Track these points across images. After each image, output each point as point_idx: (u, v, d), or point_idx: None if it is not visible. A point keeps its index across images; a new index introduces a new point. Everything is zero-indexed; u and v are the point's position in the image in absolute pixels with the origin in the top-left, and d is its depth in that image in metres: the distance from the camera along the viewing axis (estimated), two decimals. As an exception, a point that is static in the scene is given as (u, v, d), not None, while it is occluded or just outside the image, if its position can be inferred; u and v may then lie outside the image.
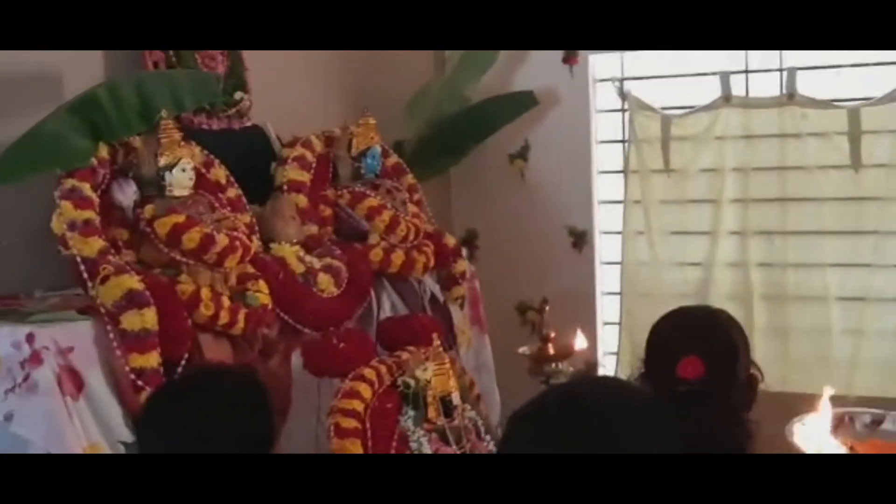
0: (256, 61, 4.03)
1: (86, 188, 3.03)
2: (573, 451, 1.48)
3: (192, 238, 3.09)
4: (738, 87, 4.77)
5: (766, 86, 4.78)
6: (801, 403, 4.63)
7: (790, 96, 4.61)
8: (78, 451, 2.74)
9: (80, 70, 3.45)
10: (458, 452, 3.27)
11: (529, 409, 1.58)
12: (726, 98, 4.72)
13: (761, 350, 4.72)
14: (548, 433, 1.53)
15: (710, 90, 4.76)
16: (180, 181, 3.23)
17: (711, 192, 4.79)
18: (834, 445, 2.40)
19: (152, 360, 2.90)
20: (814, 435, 2.34)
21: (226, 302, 3.16)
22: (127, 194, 3.18)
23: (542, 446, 1.53)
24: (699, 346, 2.23)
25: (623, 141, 5.02)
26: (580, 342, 4.35)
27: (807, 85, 4.63)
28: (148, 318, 2.89)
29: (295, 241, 3.62)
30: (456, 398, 3.35)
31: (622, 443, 1.52)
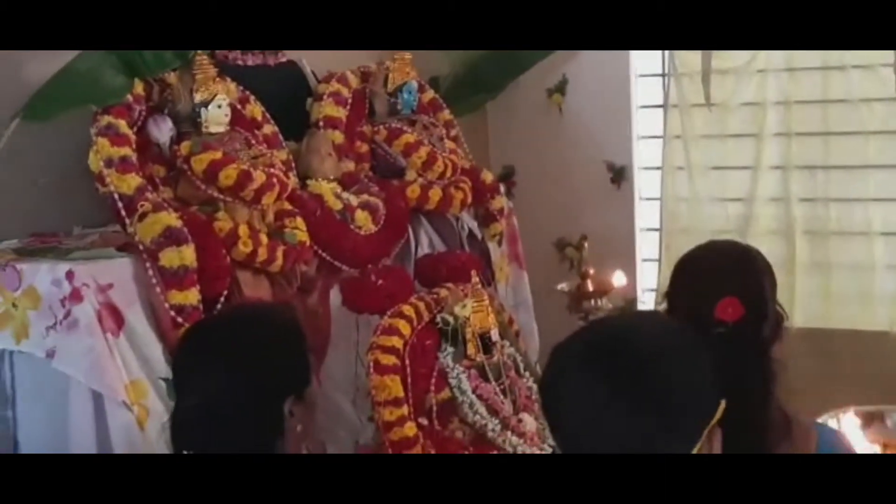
0: (291, -4, 3.98)
1: (122, 125, 3.02)
2: (616, 387, 1.49)
3: (229, 175, 3.08)
4: (781, 19, 4.66)
5: (810, 16, 4.68)
6: (842, 339, 4.62)
7: (835, 27, 4.51)
8: (120, 386, 2.76)
9: (114, 6, 3.42)
10: (498, 388, 3.26)
11: (573, 342, 1.58)
12: (769, 29, 4.61)
13: (803, 286, 4.69)
14: (591, 368, 1.53)
15: (752, 22, 4.65)
16: (216, 117, 3.21)
17: (753, 125, 4.70)
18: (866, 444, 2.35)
19: (191, 296, 2.90)
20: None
21: (264, 239, 3.15)
22: (163, 131, 3.16)
23: (585, 380, 1.52)
24: (737, 286, 2.17)
25: (663, 75, 4.93)
26: (619, 279, 4.32)
27: (852, 15, 4.52)
28: (186, 255, 2.89)
29: (332, 177, 3.60)
30: (495, 334, 3.34)
31: (666, 379, 1.53)
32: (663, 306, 2.30)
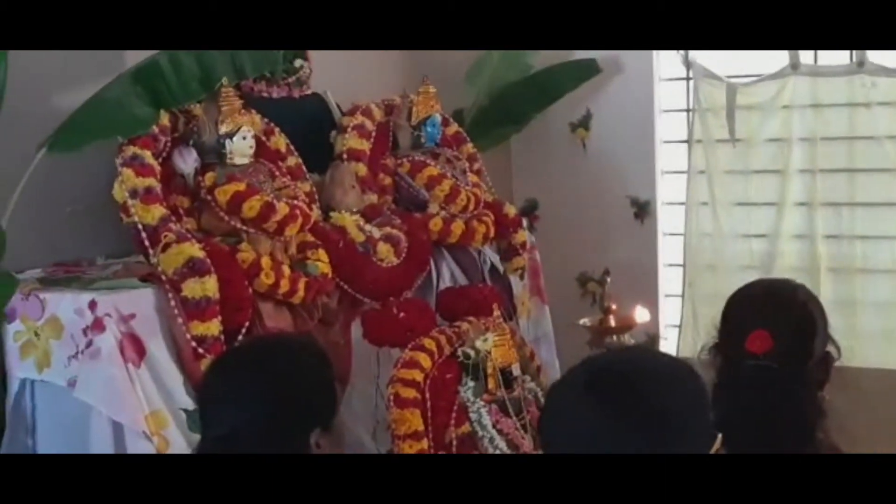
0: (316, 29, 4.02)
1: (147, 156, 3.04)
2: (611, 419, 1.50)
3: (252, 206, 3.09)
4: (806, 55, 4.66)
5: (835, 53, 4.67)
6: (868, 378, 4.59)
7: (860, 64, 4.51)
8: (140, 417, 2.77)
9: (142, 38, 3.46)
10: (518, 424, 3.25)
11: (571, 375, 1.59)
12: (794, 66, 4.62)
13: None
14: (587, 400, 1.54)
15: (777, 58, 4.65)
16: (241, 149, 3.23)
17: (777, 162, 4.71)
18: None
19: (213, 327, 2.91)
20: None
21: (286, 270, 3.16)
22: (188, 162, 3.18)
23: (581, 412, 1.54)
24: (768, 320, 2.17)
25: (687, 110, 4.94)
26: (642, 314, 4.30)
27: (877, 53, 4.51)
28: (209, 286, 2.90)
29: (355, 209, 3.61)
30: (516, 369, 3.33)
31: (662, 412, 1.52)
32: (714, 340, 2.30)
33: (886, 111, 4.51)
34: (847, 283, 4.65)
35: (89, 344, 2.79)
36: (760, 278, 2.55)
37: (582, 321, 4.32)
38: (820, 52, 4.71)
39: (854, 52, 4.53)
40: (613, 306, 4.29)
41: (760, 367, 2.11)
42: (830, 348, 2.23)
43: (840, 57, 4.63)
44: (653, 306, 4.73)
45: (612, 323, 4.24)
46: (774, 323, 2.15)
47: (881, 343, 4.59)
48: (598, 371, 1.58)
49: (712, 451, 1.56)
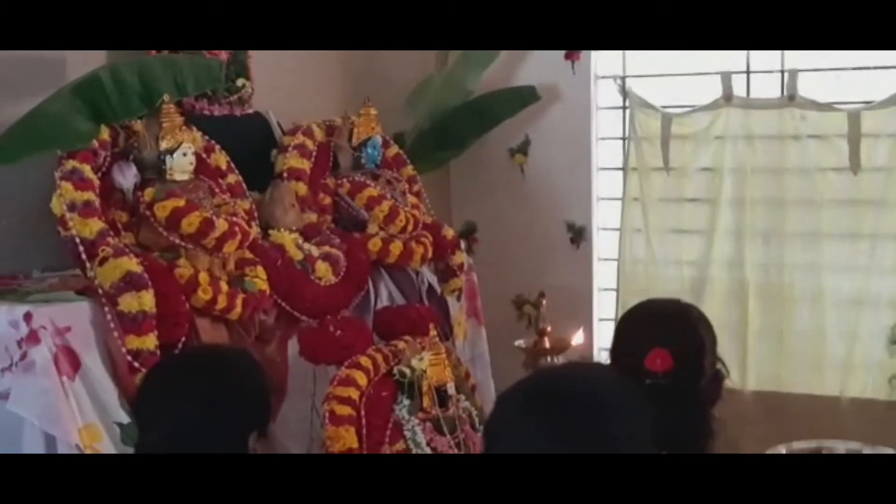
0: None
1: (86, 170, 3.03)
2: (554, 433, 1.51)
3: (191, 222, 3.09)
4: (739, 88, 4.76)
5: (767, 87, 4.78)
6: (793, 404, 4.67)
7: (791, 98, 4.61)
8: (73, 430, 2.75)
9: (84, 52, 3.44)
10: (452, 442, 3.27)
11: (514, 390, 1.60)
12: (727, 98, 4.71)
13: (756, 350, 4.74)
14: (531, 414, 1.55)
15: (711, 90, 4.75)
16: (181, 165, 3.23)
17: (710, 191, 4.79)
18: None
19: (149, 342, 2.90)
20: None
21: (224, 287, 3.16)
22: (127, 177, 3.17)
23: (524, 427, 1.54)
24: (667, 339, 2.22)
25: (623, 138, 5.02)
26: (578, 337, 4.36)
27: (807, 87, 4.63)
28: (146, 301, 2.89)
29: (294, 228, 3.62)
30: (451, 388, 3.36)
31: (602, 428, 1.53)
32: (608, 363, 2.34)
33: (815, 144, 4.61)
34: (775, 310, 4.74)
35: (24, 356, 2.76)
36: (651, 298, 2.58)
37: (517, 342, 4.37)
38: (752, 85, 4.81)
39: (785, 85, 4.64)
40: (548, 328, 4.34)
41: (657, 385, 2.15)
42: (720, 367, 2.29)
43: (772, 90, 4.74)
44: (588, 329, 4.79)
45: (547, 345, 4.29)
46: (672, 342, 2.20)
47: (806, 370, 4.68)
48: (541, 385, 1.60)
49: None
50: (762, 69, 4.81)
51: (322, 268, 3.55)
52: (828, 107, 4.60)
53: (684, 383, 2.18)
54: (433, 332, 3.41)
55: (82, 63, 3.32)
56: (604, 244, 5.17)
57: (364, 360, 3.26)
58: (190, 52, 3.62)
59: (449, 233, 4.21)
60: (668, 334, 2.24)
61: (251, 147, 3.82)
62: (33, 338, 2.76)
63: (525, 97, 5.02)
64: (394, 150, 4.28)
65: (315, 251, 3.60)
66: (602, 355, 5.09)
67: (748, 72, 4.82)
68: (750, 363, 4.72)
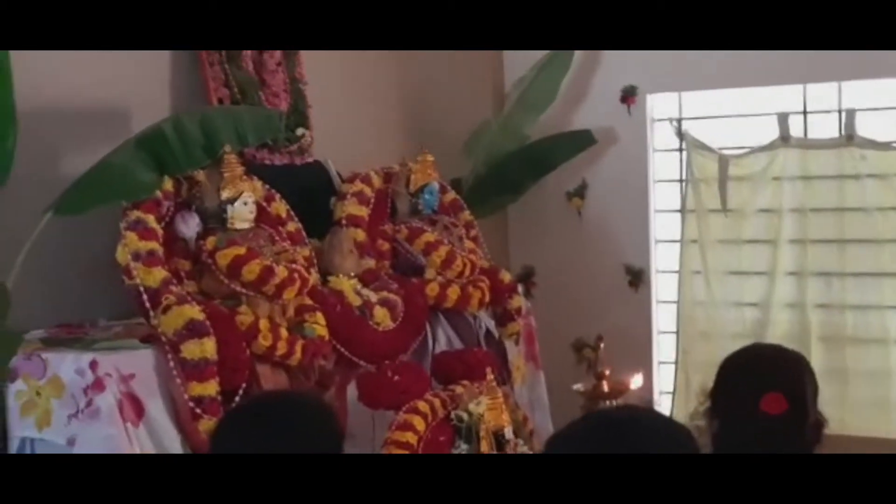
0: (318, 98, 4.09)
1: (150, 220, 3.09)
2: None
3: (252, 270, 3.14)
4: (796, 128, 4.73)
5: (825, 127, 4.75)
6: (859, 447, 4.58)
7: (849, 137, 4.58)
8: (137, 476, 2.78)
9: (148, 105, 3.54)
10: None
11: (565, 431, 1.61)
12: (784, 138, 4.69)
13: (820, 392, 4.66)
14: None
15: (768, 130, 4.74)
16: (242, 214, 3.29)
17: (769, 232, 4.76)
18: None
19: (211, 388, 2.94)
20: None
21: (284, 333, 3.19)
22: (190, 226, 3.23)
23: None
24: (782, 383, 2.25)
25: (680, 180, 5.01)
26: (636, 381, 4.34)
27: (866, 126, 4.59)
28: (207, 348, 2.94)
29: (353, 274, 3.65)
30: (509, 433, 3.35)
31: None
32: (706, 405, 2.34)
33: (875, 183, 4.58)
34: (837, 352, 4.68)
35: (89, 403, 2.81)
36: (754, 343, 2.62)
37: (576, 386, 4.36)
38: (809, 125, 4.78)
39: (843, 125, 4.61)
40: (607, 372, 4.32)
41: (770, 428, 2.17)
42: (821, 412, 2.30)
43: (830, 130, 4.70)
44: (647, 373, 4.76)
45: (606, 388, 4.27)
46: (786, 386, 2.22)
47: (871, 412, 4.60)
48: (596, 426, 1.61)
49: None
50: (819, 109, 4.78)
51: (380, 313, 3.58)
52: (887, 146, 4.56)
53: (794, 427, 2.20)
54: (491, 377, 3.41)
55: (146, 116, 3.41)
56: (663, 287, 5.14)
57: (422, 405, 3.27)
58: (250, 105, 3.71)
59: (506, 277, 4.22)
60: (782, 378, 2.27)
61: (311, 195, 3.87)
62: (99, 385, 2.82)
63: (581, 141, 5.04)
64: (451, 195, 4.31)
65: (373, 297, 3.63)
66: (662, 399, 5.06)
67: (805, 112, 4.80)
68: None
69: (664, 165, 5.13)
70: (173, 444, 2.89)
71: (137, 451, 2.82)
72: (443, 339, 3.88)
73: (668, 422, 1.67)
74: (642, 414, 1.73)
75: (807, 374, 2.33)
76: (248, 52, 3.82)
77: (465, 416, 3.31)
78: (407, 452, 3.12)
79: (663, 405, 5.02)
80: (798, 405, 2.23)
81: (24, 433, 2.90)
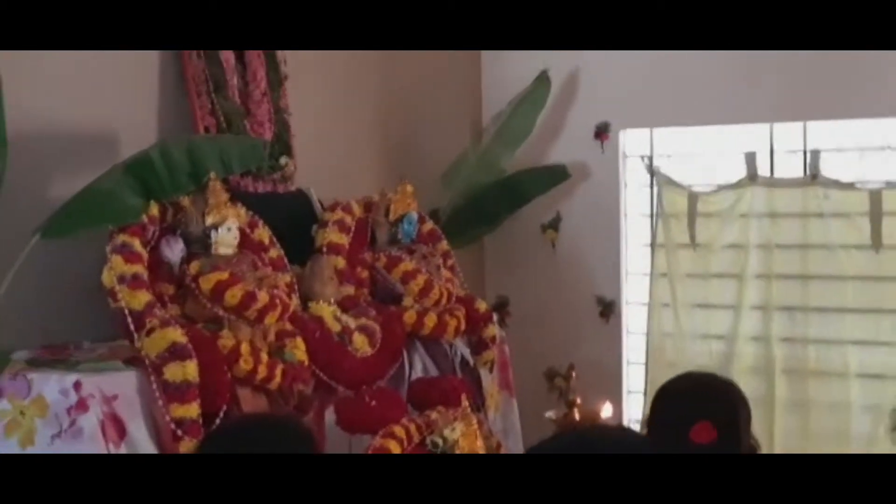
0: (301, 129, 4.11)
1: (136, 244, 3.09)
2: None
3: (234, 294, 3.14)
4: (763, 167, 4.79)
5: (791, 166, 4.80)
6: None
7: (813, 177, 4.63)
8: (118, 496, 2.76)
9: (136, 132, 3.54)
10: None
11: (541, 445, 1.62)
12: (751, 177, 4.74)
13: (782, 423, 4.70)
14: None
15: (736, 169, 4.78)
16: (225, 240, 3.28)
17: (735, 267, 4.80)
18: None
19: (192, 410, 2.92)
20: None
21: (264, 357, 3.19)
22: (175, 251, 3.23)
23: None
24: (711, 412, 2.25)
25: (651, 215, 5.04)
26: (606, 409, 4.35)
27: (830, 166, 4.65)
28: (190, 370, 2.93)
29: (332, 300, 3.65)
30: (482, 458, 3.35)
31: None
32: (644, 433, 2.36)
33: (838, 222, 4.62)
34: (800, 384, 4.71)
35: (72, 423, 2.80)
36: (688, 372, 2.62)
37: (548, 414, 4.37)
38: (776, 165, 4.83)
39: (808, 165, 4.66)
40: (578, 400, 4.33)
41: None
42: (753, 441, 2.31)
43: (795, 169, 4.76)
44: (617, 402, 4.77)
45: (577, 416, 4.28)
46: (715, 414, 2.23)
47: (832, 443, 4.62)
48: (568, 448, 1.62)
49: None
50: (786, 149, 4.83)
51: (359, 339, 3.58)
52: (850, 186, 4.61)
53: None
54: (465, 403, 3.41)
55: (134, 142, 3.41)
56: (632, 318, 5.16)
57: (398, 430, 3.26)
58: (236, 133, 3.72)
59: (482, 306, 4.23)
60: (711, 407, 2.27)
61: (293, 222, 3.87)
62: (82, 406, 2.80)
63: (556, 175, 5.08)
64: (429, 225, 4.32)
65: (352, 323, 3.63)
66: (632, 427, 5.06)
67: (771, 151, 4.85)
68: (777, 435, 4.68)
69: (635, 200, 5.16)
70: (154, 465, 2.87)
71: (118, 471, 2.80)
72: (419, 365, 3.88)
73: (635, 438, 1.69)
74: (610, 432, 1.75)
75: (738, 401, 2.34)
76: (235, 82, 3.83)
77: (440, 441, 3.30)
78: (383, 476, 3.11)
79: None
80: (728, 433, 2.24)
81: (7, 452, 2.87)
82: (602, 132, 5.06)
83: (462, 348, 4.10)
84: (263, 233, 3.57)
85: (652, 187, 5.01)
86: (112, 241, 3.06)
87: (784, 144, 4.84)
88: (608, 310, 5.14)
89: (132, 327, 2.98)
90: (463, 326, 4.04)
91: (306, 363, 3.35)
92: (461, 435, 3.31)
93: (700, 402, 2.30)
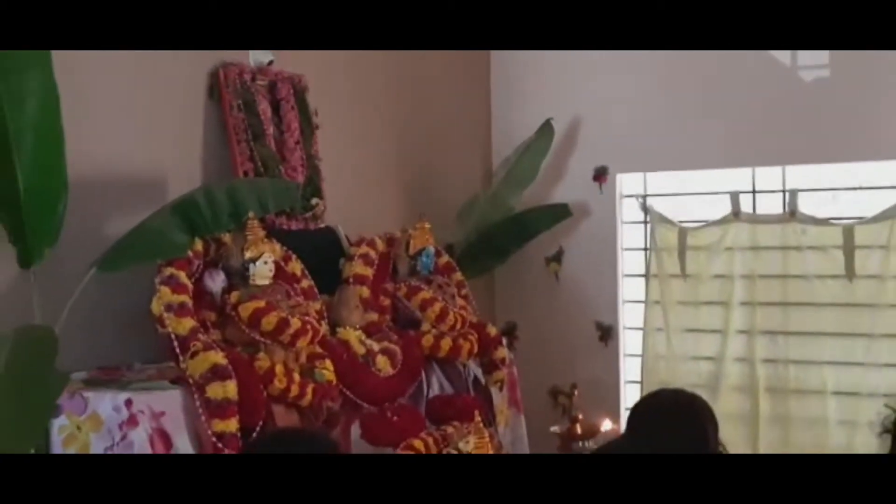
0: (331, 173, 4.13)
1: (182, 276, 3.10)
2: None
3: (270, 321, 3.14)
4: (746, 205, 4.78)
5: (771, 204, 4.80)
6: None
7: (792, 214, 4.63)
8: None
9: (182, 176, 3.57)
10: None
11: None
12: (736, 214, 4.73)
13: (766, 437, 4.67)
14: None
15: (721, 207, 4.78)
16: (262, 272, 3.29)
17: (722, 295, 4.78)
18: None
19: (232, 425, 2.92)
20: None
21: (296, 377, 3.18)
22: (216, 282, 3.24)
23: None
24: (681, 425, 2.28)
25: (645, 249, 5.04)
26: (606, 425, 4.33)
27: (807, 205, 4.65)
28: (230, 389, 2.93)
29: (358, 326, 3.65)
30: (493, 469, 3.33)
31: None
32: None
33: (815, 254, 4.61)
34: (781, 401, 4.68)
35: (124, 437, 2.81)
36: (659, 389, 2.62)
37: (553, 428, 4.35)
38: (758, 203, 4.83)
39: (787, 203, 4.66)
40: (580, 416, 4.32)
41: None
42: (721, 449, 2.30)
43: (775, 207, 4.75)
44: (615, 417, 4.75)
45: (579, 431, 4.27)
46: (684, 428, 2.22)
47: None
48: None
49: None
50: (767, 189, 4.83)
51: (382, 361, 3.57)
52: (825, 222, 4.61)
53: None
54: (478, 419, 3.41)
55: (181, 185, 3.44)
56: (629, 342, 5.15)
57: (417, 443, 3.26)
58: (272, 177, 3.74)
59: (493, 331, 4.22)
60: (681, 420, 2.28)
61: (322, 256, 3.88)
62: (133, 421, 2.81)
63: (559, 213, 5.08)
64: (445, 258, 4.32)
65: (376, 346, 3.63)
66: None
67: (754, 191, 4.85)
68: (761, 448, 4.65)
69: (631, 235, 5.16)
70: (197, 476, 2.87)
71: (165, 480, 2.79)
72: (436, 384, 3.86)
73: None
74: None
75: (704, 414, 2.33)
76: (271, 131, 3.86)
77: (455, 453, 3.29)
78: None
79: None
80: (696, 445, 2.24)
81: (66, 463, 2.88)
82: (601, 175, 5.07)
83: (475, 369, 4.08)
84: (296, 265, 3.57)
85: (646, 224, 5.02)
86: (160, 274, 3.07)
87: (765, 185, 4.84)
88: (607, 334, 5.12)
89: (178, 350, 2.98)
90: (475, 349, 4.02)
91: (334, 382, 3.34)
92: (474, 447, 3.31)
93: (668, 416, 2.31)
